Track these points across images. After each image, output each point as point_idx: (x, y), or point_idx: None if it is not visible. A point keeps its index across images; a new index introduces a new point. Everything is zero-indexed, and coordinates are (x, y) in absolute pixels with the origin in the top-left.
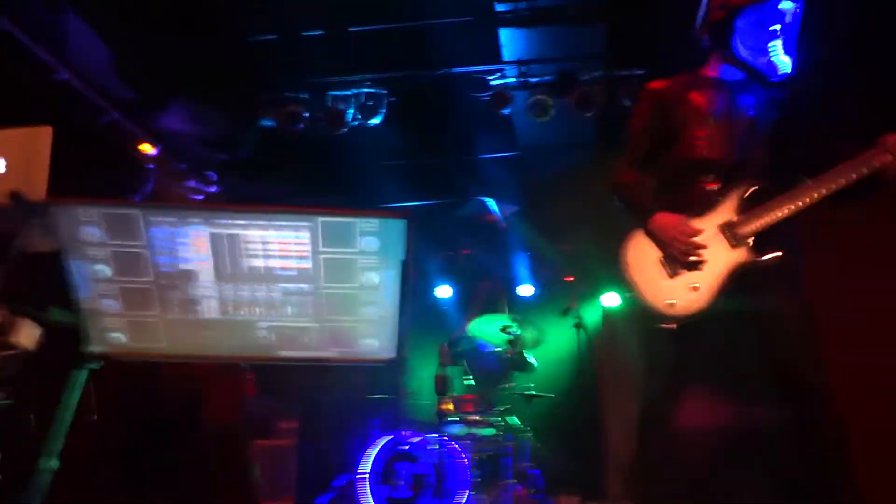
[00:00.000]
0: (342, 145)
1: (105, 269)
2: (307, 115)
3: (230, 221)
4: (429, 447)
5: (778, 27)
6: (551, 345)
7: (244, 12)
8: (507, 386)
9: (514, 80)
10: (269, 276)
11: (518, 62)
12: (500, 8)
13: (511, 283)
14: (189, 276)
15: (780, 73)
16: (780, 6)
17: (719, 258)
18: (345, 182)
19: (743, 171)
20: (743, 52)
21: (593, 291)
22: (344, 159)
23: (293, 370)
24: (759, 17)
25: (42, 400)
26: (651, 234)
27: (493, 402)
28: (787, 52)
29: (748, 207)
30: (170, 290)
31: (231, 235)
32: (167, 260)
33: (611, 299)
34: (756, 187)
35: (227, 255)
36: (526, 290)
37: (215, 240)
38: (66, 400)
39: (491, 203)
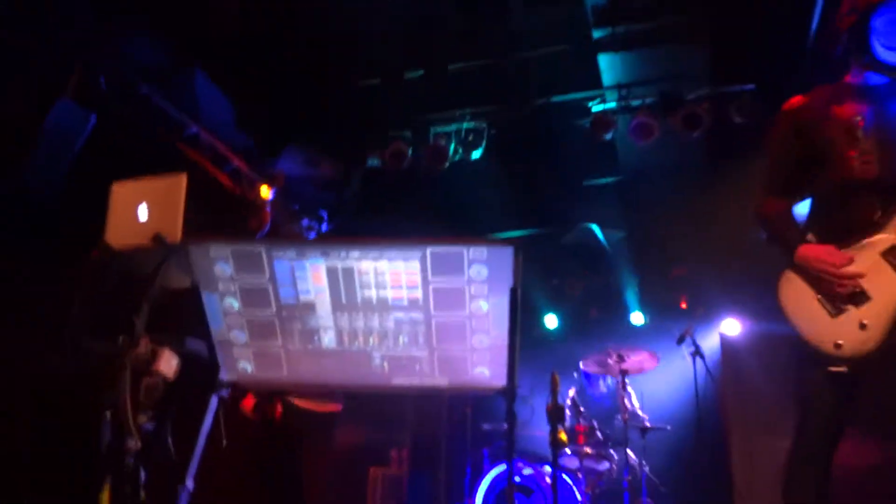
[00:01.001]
0: (447, 178)
1: (234, 303)
2: (411, 152)
3: (345, 254)
4: (543, 480)
5: None
6: (665, 374)
7: (350, 61)
8: (620, 418)
9: (614, 104)
10: (381, 306)
11: (618, 86)
12: (597, 34)
13: (621, 312)
14: (308, 307)
15: None
16: None
17: (886, 288)
18: (450, 215)
19: None
20: (884, 55)
21: (709, 317)
22: (448, 192)
23: (405, 400)
24: (894, 12)
25: (180, 425)
26: (800, 271)
27: (607, 434)
28: None
29: None
30: (291, 322)
31: (346, 267)
32: (288, 292)
33: (730, 326)
34: None
35: (342, 287)
36: (637, 318)
37: (331, 272)
38: (202, 425)
39: (596, 230)
